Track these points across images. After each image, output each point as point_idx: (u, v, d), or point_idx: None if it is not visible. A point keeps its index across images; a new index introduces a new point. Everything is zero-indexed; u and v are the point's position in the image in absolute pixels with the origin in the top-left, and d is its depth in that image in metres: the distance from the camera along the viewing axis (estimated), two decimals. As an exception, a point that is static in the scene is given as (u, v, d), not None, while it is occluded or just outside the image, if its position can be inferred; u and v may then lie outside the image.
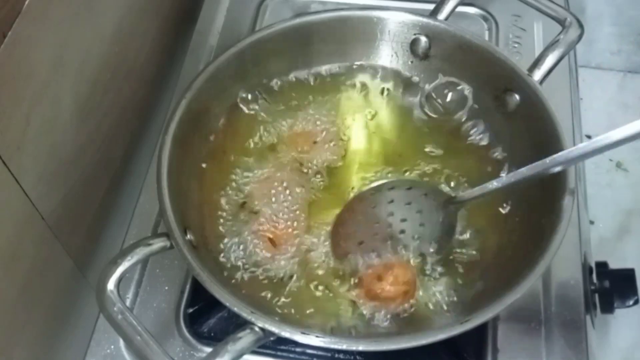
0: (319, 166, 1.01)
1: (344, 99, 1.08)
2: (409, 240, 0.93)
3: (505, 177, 0.86)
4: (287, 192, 0.98)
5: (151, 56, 1.20)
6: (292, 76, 1.08)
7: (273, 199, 0.97)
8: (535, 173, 0.82)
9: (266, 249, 0.94)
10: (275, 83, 1.07)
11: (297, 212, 0.97)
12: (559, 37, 0.97)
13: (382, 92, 1.09)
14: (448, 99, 1.05)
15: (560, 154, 0.80)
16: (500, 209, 0.96)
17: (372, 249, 0.92)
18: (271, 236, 0.95)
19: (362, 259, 0.92)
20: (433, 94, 1.05)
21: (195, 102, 0.95)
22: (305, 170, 1.01)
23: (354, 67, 1.09)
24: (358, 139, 1.05)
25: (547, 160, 0.80)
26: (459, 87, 1.03)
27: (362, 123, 1.06)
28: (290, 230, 0.95)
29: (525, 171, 0.83)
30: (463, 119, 1.03)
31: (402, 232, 0.93)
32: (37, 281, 0.89)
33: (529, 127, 0.95)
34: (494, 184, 0.87)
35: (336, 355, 0.94)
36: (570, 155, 0.79)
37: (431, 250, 0.93)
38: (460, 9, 1.05)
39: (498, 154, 1.00)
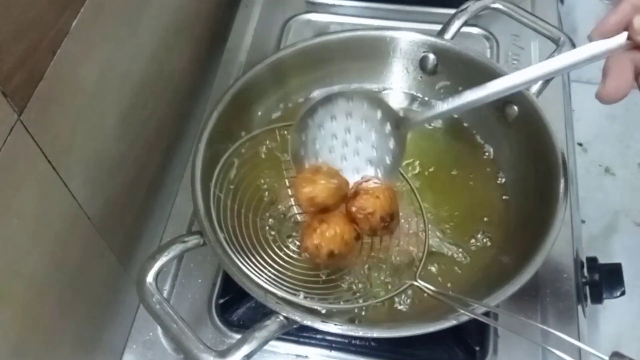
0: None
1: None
2: (362, 163, 0.90)
3: (452, 100, 0.82)
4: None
5: (186, 72, 1.20)
6: (313, 90, 1.07)
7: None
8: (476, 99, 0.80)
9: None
10: (298, 96, 1.07)
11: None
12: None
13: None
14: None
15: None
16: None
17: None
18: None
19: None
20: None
21: (226, 113, 0.95)
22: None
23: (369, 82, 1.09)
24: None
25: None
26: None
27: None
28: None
29: (467, 95, 0.81)
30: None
31: (357, 153, 0.90)
32: (83, 274, 0.90)
33: (527, 135, 0.95)
34: (443, 107, 0.82)
35: (353, 341, 0.93)
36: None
37: (379, 174, 0.90)
38: (465, 29, 1.05)
39: (498, 157, 1.00)
